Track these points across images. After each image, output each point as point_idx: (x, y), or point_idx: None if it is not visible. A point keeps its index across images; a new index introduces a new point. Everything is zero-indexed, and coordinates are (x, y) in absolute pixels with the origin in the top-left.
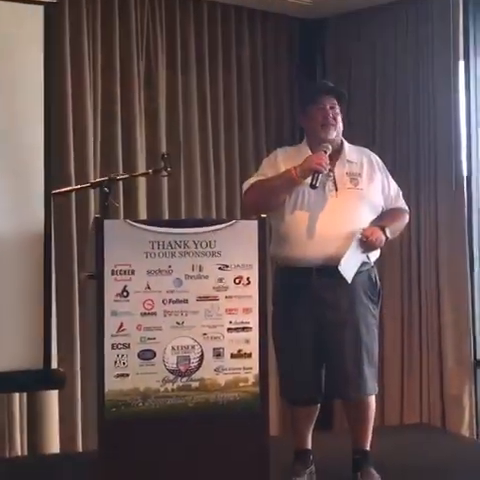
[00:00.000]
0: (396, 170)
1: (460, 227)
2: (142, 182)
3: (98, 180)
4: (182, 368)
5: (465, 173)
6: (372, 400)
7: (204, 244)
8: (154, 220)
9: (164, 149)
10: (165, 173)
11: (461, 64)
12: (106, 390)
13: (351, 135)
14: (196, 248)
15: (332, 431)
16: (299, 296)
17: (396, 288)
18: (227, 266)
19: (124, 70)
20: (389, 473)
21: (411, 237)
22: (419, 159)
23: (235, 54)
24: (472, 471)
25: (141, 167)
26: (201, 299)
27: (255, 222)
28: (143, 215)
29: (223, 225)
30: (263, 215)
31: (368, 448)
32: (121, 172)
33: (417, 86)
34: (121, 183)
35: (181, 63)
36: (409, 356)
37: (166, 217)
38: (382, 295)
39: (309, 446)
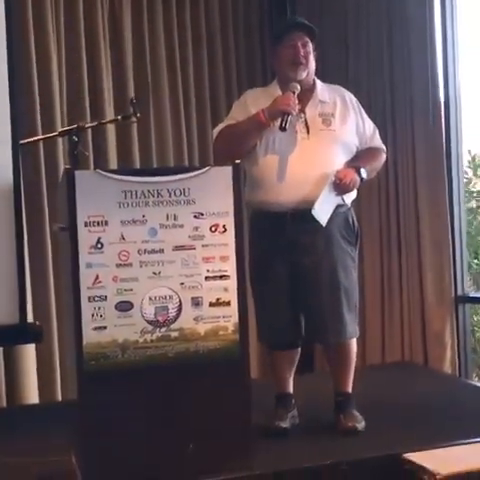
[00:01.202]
0: (371, 105)
1: (439, 164)
2: (111, 129)
3: (66, 128)
4: (160, 318)
5: (443, 108)
6: (353, 343)
7: (178, 192)
8: (126, 169)
9: (132, 94)
10: (134, 119)
11: None
12: (84, 343)
13: (323, 71)
14: (170, 197)
15: (313, 374)
16: (274, 241)
17: (375, 228)
18: (202, 214)
19: (88, 14)
20: (371, 413)
21: (389, 175)
22: (394, 93)
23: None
24: (452, 407)
25: (109, 114)
26: (177, 248)
27: (229, 168)
28: (113, 164)
29: (197, 172)
30: (237, 161)
31: (350, 390)
32: (89, 120)
33: (392, 14)
34: (89, 131)
35: (147, 5)
36: (390, 295)
37: (137, 165)
38: (360, 236)
39: (290, 390)
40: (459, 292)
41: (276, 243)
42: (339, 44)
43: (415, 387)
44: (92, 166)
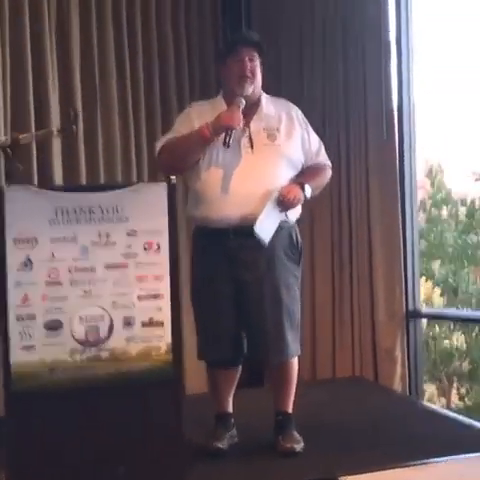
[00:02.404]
0: (325, 115)
1: (392, 176)
2: (56, 141)
3: None
4: (91, 338)
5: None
6: (294, 362)
7: (111, 209)
8: (58, 186)
9: (79, 102)
10: (71, 131)
11: None
12: (11, 363)
13: (278, 80)
14: (102, 214)
15: (262, 389)
16: (216, 257)
17: (327, 241)
18: (135, 232)
19: (34, 19)
20: (314, 432)
21: (341, 187)
22: (348, 103)
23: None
24: (398, 428)
25: (56, 124)
26: (109, 267)
27: (163, 185)
28: (59, 178)
29: (129, 189)
30: (172, 177)
31: (290, 410)
32: (33, 129)
33: (346, 22)
34: (34, 142)
35: (95, 5)
36: (340, 309)
37: (83, 178)
38: (303, 253)
39: (230, 409)
40: (410, 307)
41: (218, 259)
42: (294, 54)
43: (362, 405)
44: (36, 179)
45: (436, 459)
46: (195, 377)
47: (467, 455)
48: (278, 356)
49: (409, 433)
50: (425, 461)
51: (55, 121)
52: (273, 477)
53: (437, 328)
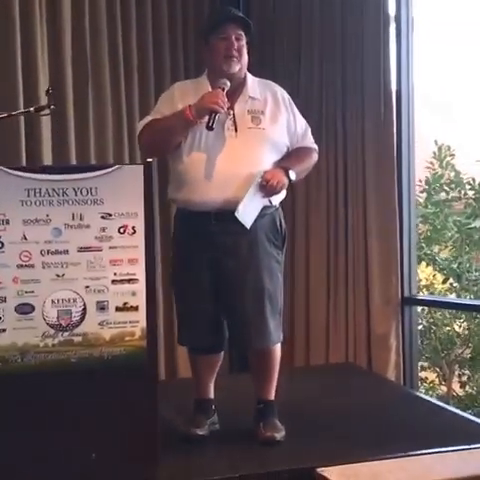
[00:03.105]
0: (323, 94)
1: (388, 157)
2: (46, 120)
3: None
4: (63, 322)
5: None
6: (277, 349)
7: (85, 191)
8: (30, 167)
9: (70, 81)
10: (48, 111)
11: None
12: None
13: (274, 62)
14: (76, 196)
15: (247, 374)
16: (197, 241)
17: (322, 224)
18: (110, 215)
19: None
20: (299, 420)
21: (338, 171)
22: (346, 82)
23: None
24: (387, 417)
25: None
26: (83, 250)
27: (141, 167)
28: (48, 159)
29: (105, 171)
30: (149, 159)
31: (272, 398)
32: (22, 107)
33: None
34: (22, 121)
35: None
36: (335, 294)
37: (73, 159)
38: (287, 238)
39: (211, 395)
40: (406, 293)
41: (199, 243)
42: (292, 31)
43: (353, 393)
44: (24, 159)
45: (423, 451)
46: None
47: (456, 447)
48: (260, 343)
49: (398, 424)
50: (411, 453)
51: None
52: (251, 466)
53: (438, 314)
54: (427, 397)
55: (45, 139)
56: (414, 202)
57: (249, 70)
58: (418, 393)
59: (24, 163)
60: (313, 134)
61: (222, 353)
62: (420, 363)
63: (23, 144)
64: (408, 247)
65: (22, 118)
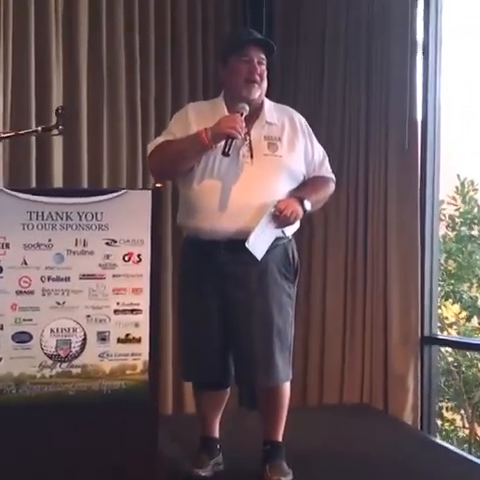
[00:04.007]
0: (345, 126)
1: (412, 189)
2: (57, 140)
3: None
4: (62, 353)
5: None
6: (285, 387)
7: (89, 216)
8: (33, 188)
9: (84, 101)
10: (57, 131)
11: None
12: None
13: (297, 87)
14: (80, 220)
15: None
16: (205, 271)
17: (340, 257)
18: (115, 241)
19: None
20: (307, 463)
21: (358, 204)
22: (370, 111)
23: None
24: (401, 465)
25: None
26: (85, 277)
27: (148, 192)
28: (58, 180)
29: (111, 195)
30: (158, 184)
31: (280, 439)
32: (34, 124)
33: (372, 25)
34: (34, 141)
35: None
36: (351, 330)
37: (85, 181)
38: (302, 272)
39: (216, 434)
40: (426, 332)
41: (208, 274)
42: (315, 58)
43: (367, 436)
44: (34, 180)
45: None
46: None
47: None
48: (267, 381)
49: (413, 472)
50: None
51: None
52: None
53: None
54: (445, 443)
55: (56, 161)
56: (437, 237)
57: (268, 96)
58: (436, 439)
59: (34, 185)
60: (334, 165)
61: (228, 390)
62: (444, 404)
63: (34, 165)
64: (429, 284)
65: (34, 139)
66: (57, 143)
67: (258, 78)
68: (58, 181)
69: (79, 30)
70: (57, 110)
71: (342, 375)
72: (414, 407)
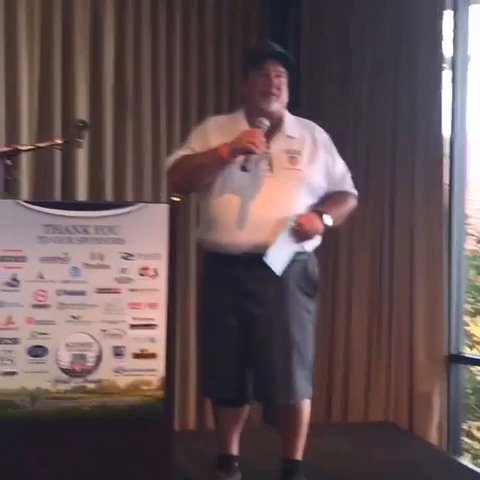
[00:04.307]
0: (371, 141)
1: (438, 210)
2: (81, 153)
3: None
4: (77, 367)
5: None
6: (305, 405)
7: (106, 230)
8: (50, 201)
9: (109, 117)
10: (76, 144)
11: (448, 15)
12: None
13: (323, 100)
14: (97, 234)
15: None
16: (224, 286)
17: (365, 273)
18: (132, 255)
19: (66, 21)
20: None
21: (384, 220)
22: (397, 130)
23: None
24: None
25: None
26: (101, 291)
27: (165, 206)
28: (82, 194)
29: (128, 209)
30: (175, 198)
31: (298, 458)
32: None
33: (398, 41)
34: (58, 155)
35: (132, 4)
36: (377, 348)
37: (109, 195)
38: (319, 287)
39: (235, 451)
40: (453, 350)
41: (226, 288)
42: (342, 74)
43: (391, 456)
44: (58, 194)
45: None
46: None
47: None
48: (286, 398)
49: None
50: None
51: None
52: None
53: None
54: (471, 465)
55: (80, 174)
56: (464, 250)
57: (294, 112)
58: (461, 459)
59: (59, 198)
60: (360, 181)
61: (247, 407)
62: (475, 423)
63: (58, 178)
64: (456, 301)
65: (58, 152)
66: (81, 156)
67: (275, 90)
68: (82, 194)
69: (105, 44)
70: (77, 123)
71: (367, 393)
72: (440, 426)
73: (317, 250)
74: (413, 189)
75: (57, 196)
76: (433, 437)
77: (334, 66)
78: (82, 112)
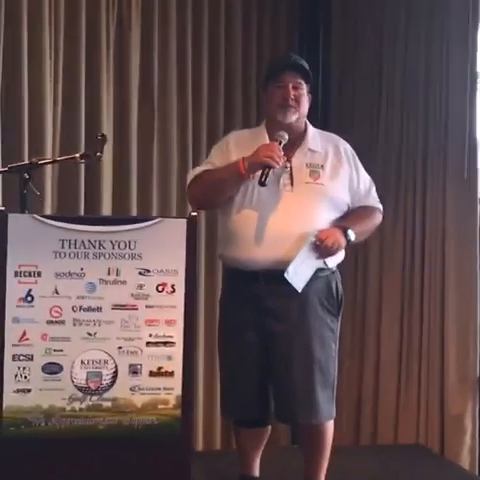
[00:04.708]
0: (402, 157)
1: (471, 224)
2: (108, 168)
3: (17, 164)
4: (92, 385)
5: None
6: (328, 426)
7: (123, 245)
8: (65, 216)
9: (134, 131)
10: (96, 157)
11: None
12: (4, 406)
13: (353, 119)
14: (113, 249)
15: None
16: (245, 303)
17: (396, 291)
18: (149, 271)
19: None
20: None
21: (415, 234)
22: (428, 139)
23: (224, 9)
24: None
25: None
26: (117, 307)
27: (183, 221)
28: (107, 206)
29: (146, 223)
30: (193, 213)
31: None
32: (82, 149)
33: (429, 57)
34: (82, 166)
35: (158, 20)
36: (407, 369)
37: (134, 209)
38: (343, 304)
39: (256, 473)
40: None
41: (247, 305)
42: (372, 90)
43: (420, 479)
44: (83, 209)
45: None
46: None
47: None
48: (308, 419)
49: None
50: None
51: (107, 146)
52: None
53: None
54: None
55: (105, 188)
56: None
57: (323, 127)
58: None
59: (82, 212)
60: (391, 196)
61: (269, 427)
62: None
63: (82, 192)
64: None
65: (82, 166)
66: (106, 170)
67: (292, 102)
68: (107, 208)
69: (130, 58)
70: (97, 136)
71: (397, 414)
72: (471, 450)
73: (346, 267)
74: (445, 202)
75: (81, 210)
76: (464, 460)
77: (364, 83)
78: (107, 125)
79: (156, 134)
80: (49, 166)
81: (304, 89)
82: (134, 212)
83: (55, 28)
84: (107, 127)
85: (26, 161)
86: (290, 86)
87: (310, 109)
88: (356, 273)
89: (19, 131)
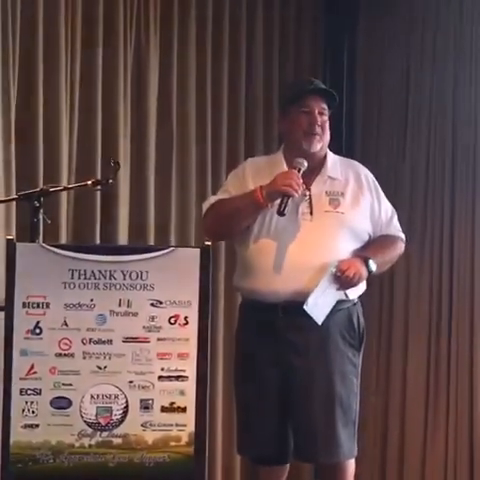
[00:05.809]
0: (429, 183)
1: None
2: (124, 190)
3: (27, 192)
4: (102, 421)
5: None
6: (349, 464)
7: (134, 275)
8: (75, 245)
9: (152, 146)
10: (107, 184)
11: None
12: (11, 442)
13: (379, 147)
14: (124, 279)
15: None
16: (262, 336)
17: (423, 324)
18: (161, 302)
19: (107, 54)
20: None
21: (442, 257)
22: (455, 168)
23: (246, 31)
24: None
25: (124, 173)
26: (128, 340)
27: (197, 250)
28: (124, 235)
29: (158, 253)
30: (207, 242)
31: None
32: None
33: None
34: (98, 194)
35: (178, 41)
36: (434, 404)
37: (151, 238)
38: (365, 337)
39: None
40: None
41: (264, 338)
42: (398, 115)
43: None
44: (98, 235)
45: None
46: None
47: None
48: (328, 456)
49: None
50: None
51: (124, 172)
52: None
53: None
54: None
55: (122, 216)
56: None
57: (346, 154)
58: None
59: (98, 241)
60: (417, 222)
61: (287, 465)
62: None
63: (98, 220)
64: None
65: (98, 193)
66: (123, 197)
67: (319, 130)
68: (124, 237)
69: (149, 81)
70: (110, 162)
71: (424, 453)
72: None
73: (370, 298)
74: (473, 228)
75: (97, 238)
76: None
77: (389, 108)
78: (124, 150)
79: (175, 159)
80: (64, 192)
81: (327, 115)
82: (151, 240)
83: (72, 50)
84: (124, 152)
85: (37, 188)
86: (316, 112)
87: (332, 138)
88: (381, 304)
89: (34, 155)
